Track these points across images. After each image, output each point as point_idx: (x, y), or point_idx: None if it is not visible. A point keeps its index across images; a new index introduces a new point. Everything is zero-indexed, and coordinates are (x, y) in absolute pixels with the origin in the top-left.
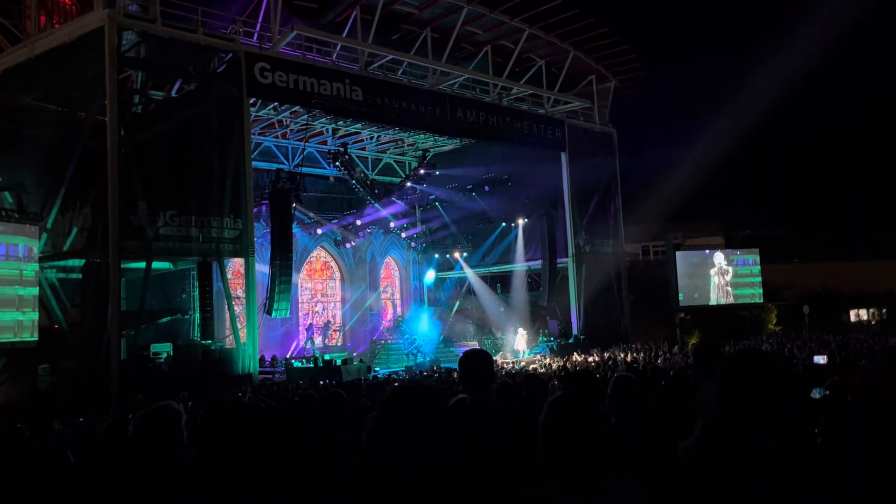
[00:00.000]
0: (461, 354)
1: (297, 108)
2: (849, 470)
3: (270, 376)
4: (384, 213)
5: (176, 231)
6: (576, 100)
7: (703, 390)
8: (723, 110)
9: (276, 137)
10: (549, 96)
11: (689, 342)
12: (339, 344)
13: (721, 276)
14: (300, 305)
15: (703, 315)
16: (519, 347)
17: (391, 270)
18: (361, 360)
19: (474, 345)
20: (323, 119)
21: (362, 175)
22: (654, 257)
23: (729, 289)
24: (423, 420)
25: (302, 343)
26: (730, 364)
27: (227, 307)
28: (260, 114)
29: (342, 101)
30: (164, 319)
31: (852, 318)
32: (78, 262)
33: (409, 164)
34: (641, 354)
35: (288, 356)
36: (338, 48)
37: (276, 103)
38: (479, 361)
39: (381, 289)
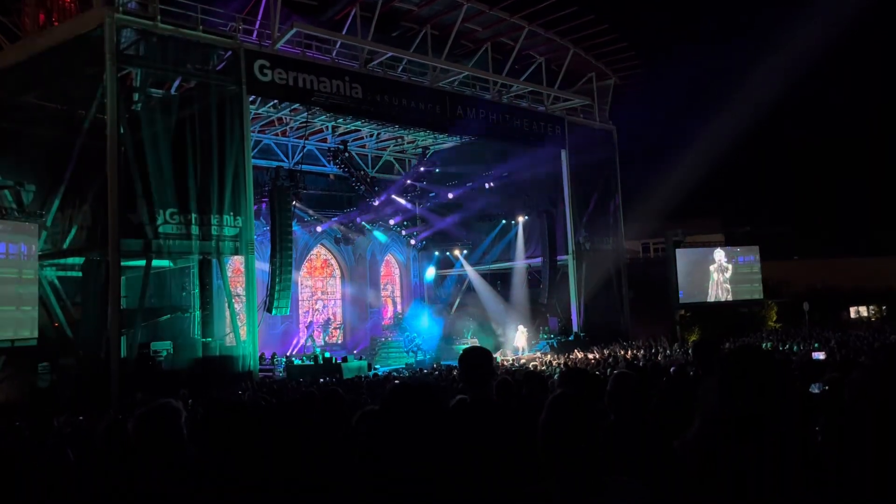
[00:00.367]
0: (461, 352)
1: (296, 105)
2: (848, 468)
3: (270, 374)
4: (384, 210)
5: (176, 229)
6: (575, 97)
7: (702, 387)
8: (722, 108)
9: (276, 135)
10: (549, 94)
11: (690, 339)
12: (339, 341)
13: (721, 274)
14: (300, 303)
15: (703, 312)
16: (519, 345)
17: (391, 268)
18: (362, 358)
19: (474, 342)
20: (322, 116)
21: (362, 172)
22: (654, 254)
23: (729, 286)
24: (423, 418)
25: (302, 341)
26: (728, 361)
27: (227, 305)
28: (259, 111)
29: (342, 99)
30: (164, 317)
31: (852, 315)
32: (77, 261)
33: (409, 161)
34: (642, 352)
35: (288, 354)
36: (337, 45)
37: (275, 101)
38: (478, 359)
39: (382, 286)
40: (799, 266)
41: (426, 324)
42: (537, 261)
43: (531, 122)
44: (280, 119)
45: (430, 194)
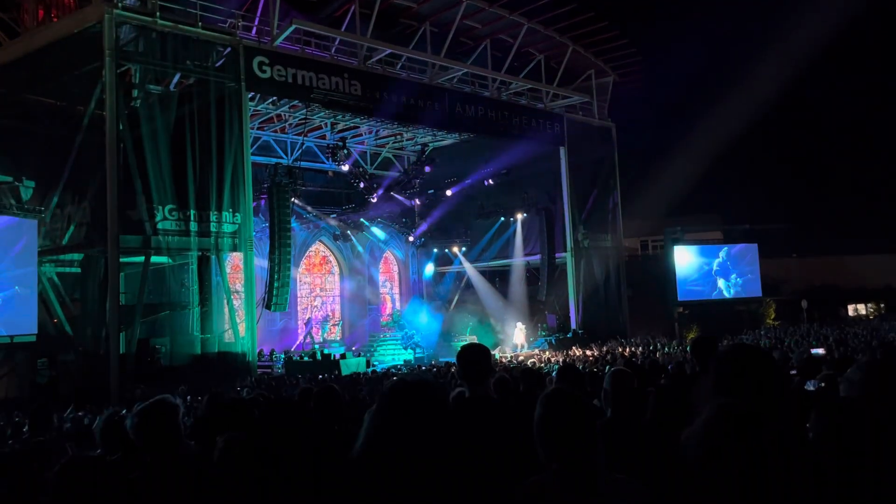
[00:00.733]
0: (459, 349)
1: (295, 102)
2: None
3: (269, 371)
4: (383, 207)
5: (175, 225)
6: (575, 94)
7: (700, 385)
8: (721, 105)
9: (275, 132)
10: (548, 91)
11: (688, 336)
12: (337, 338)
13: (719, 271)
14: (299, 300)
15: (701, 309)
16: (517, 342)
17: (390, 265)
18: (360, 355)
19: (473, 339)
20: (321, 113)
21: (361, 169)
22: (652, 252)
23: (727, 284)
24: (423, 414)
25: (301, 337)
26: (723, 359)
27: (225, 301)
28: (258, 108)
29: (341, 96)
30: (163, 314)
31: (850, 313)
32: (77, 257)
33: (408, 158)
34: (640, 349)
35: (287, 350)
36: (336, 42)
37: (274, 97)
38: (476, 355)
39: (380, 283)
40: (797, 264)
41: (424, 321)
42: (536, 258)
43: (530, 119)
44: (279, 116)
45: (429, 191)
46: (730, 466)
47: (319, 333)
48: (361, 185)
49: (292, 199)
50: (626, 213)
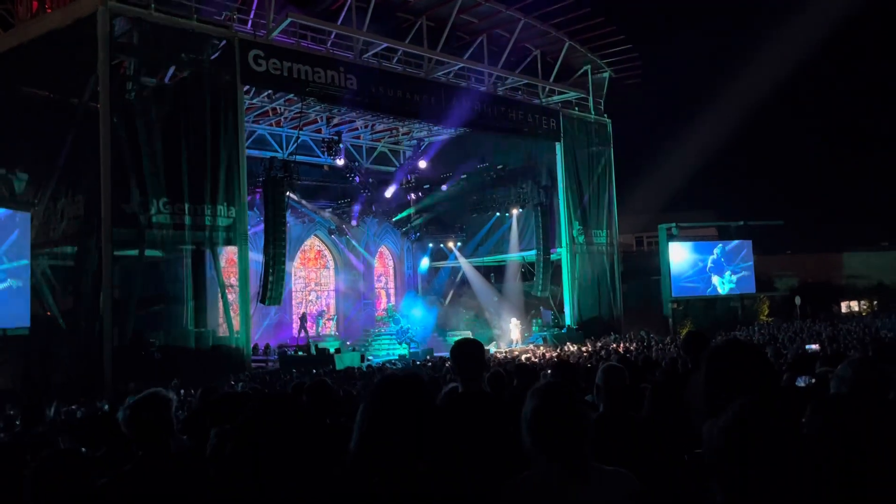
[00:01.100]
0: (453, 343)
1: (291, 95)
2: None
3: (264, 365)
4: (378, 201)
5: (169, 219)
6: (571, 90)
7: (692, 381)
8: (717, 102)
9: (270, 125)
10: (545, 86)
11: (682, 332)
12: (332, 332)
13: (713, 267)
14: (294, 294)
15: (695, 306)
16: (512, 337)
17: (385, 259)
18: (355, 349)
19: (467, 334)
20: (317, 107)
21: (356, 163)
22: (647, 248)
23: (721, 280)
24: (412, 409)
25: (295, 332)
26: (715, 355)
27: (220, 295)
28: (254, 101)
29: (337, 90)
30: (157, 307)
31: (843, 310)
32: (70, 249)
33: (404, 153)
34: (634, 345)
35: (281, 344)
36: (332, 36)
37: (270, 91)
38: (471, 350)
39: (375, 278)
40: (791, 260)
41: (419, 315)
42: (531, 253)
43: (526, 114)
44: (274, 109)
45: (425, 186)
46: (754, 462)
47: (314, 328)
48: (357, 179)
49: (287, 193)
50: (622, 209)
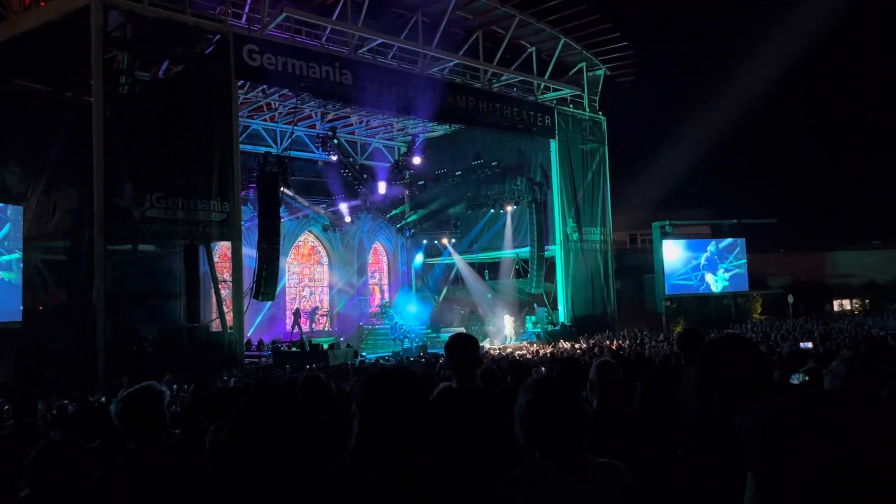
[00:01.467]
0: (447, 339)
1: (285, 91)
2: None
3: (257, 360)
4: (372, 197)
5: (162, 213)
6: (566, 87)
7: (685, 377)
8: (711, 99)
9: (265, 120)
10: (540, 83)
11: (675, 330)
12: (326, 329)
13: (707, 265)
14: (287, 290)
15: (688, 303)
16: (506, 334)
17: (379, 256)
18: (349, 345)
19: (461, 331)
20: (312, 102)
21: (351, 159)
22: (641, 245)
23: (714, 278)
24: (405, 403)
25: (289, 327)
26: (710, 350)
27: (213, 291)
28: (248, 96)
29: (331, 85)
30: (150, 302)
31: (835, 308)
32: (63, 244)
33: (399, 149)
34: (627, 342)
35: (275, 340)
36: (327, 31)
37: (264, 86)
38: (464, 345)
39: (369, 274)
40: (784, 259)
41: (413, 311)
42: (525, 250)
43: (521, 111)
44: (269, 104)
45: (419, 182)
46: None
47: (308, 324)
48: (351, 175)
49: (281, 188)
50: (616, 207)
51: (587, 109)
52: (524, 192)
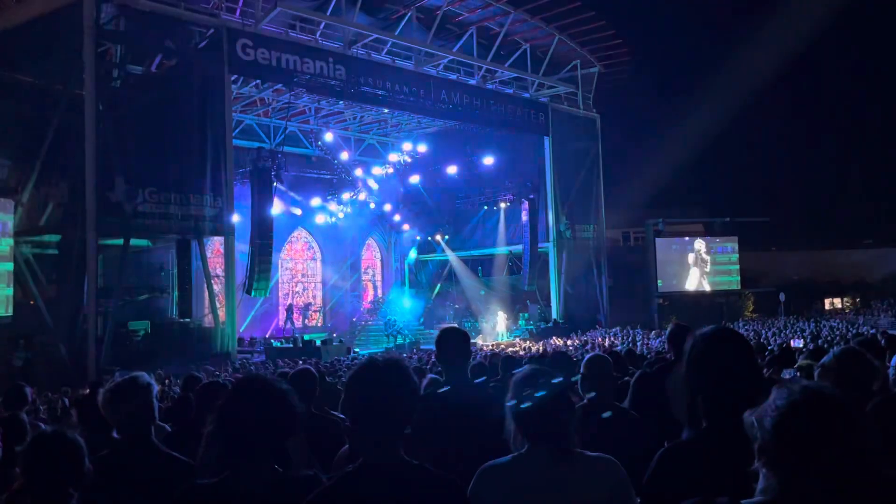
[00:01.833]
0: (438, 332)
1: (279, 86)
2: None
3: (249, 356)
4: (366, 193)
5: (155, 208)
6: (560, 84)
7: (675, 372)
8: (705, 97)
9: (258, 115)
10: (534, 80)
11: (667, 328)
12: (319, 324)
13: (699, 263)
14: (280, 285)
15: (680, 301)
16: (499, 330)
17: (372, 252)
18: (341, 341)
19: (454, 326)
20: (305, 98)
21: (344, 155)
22: (634, 243)
23: (706, 276)
24: (395, 392)
25: (281, 323)
26: (697, 343)
27: (205, 286)
28: (241, 91)
29: (325, 80)
30: (142, 297)
31: (827, 306)
32: (54, 238)
33: (392, 144)
34: (619, 339)
35: (267, 336)
36: (321, 26)
37: (257, 81)
38: (455, 339)
39: (362, 270)
40: (776, 257)
41: (407, 307)
42: (518, 247)
43: (515, 108)
44: (262, 99)
45: (413, 179)
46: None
47: (300, 319)
48: (344, 171)
49: (274, 183)
50: (609, 204)
51: (581, 107)
52: (518, 189)
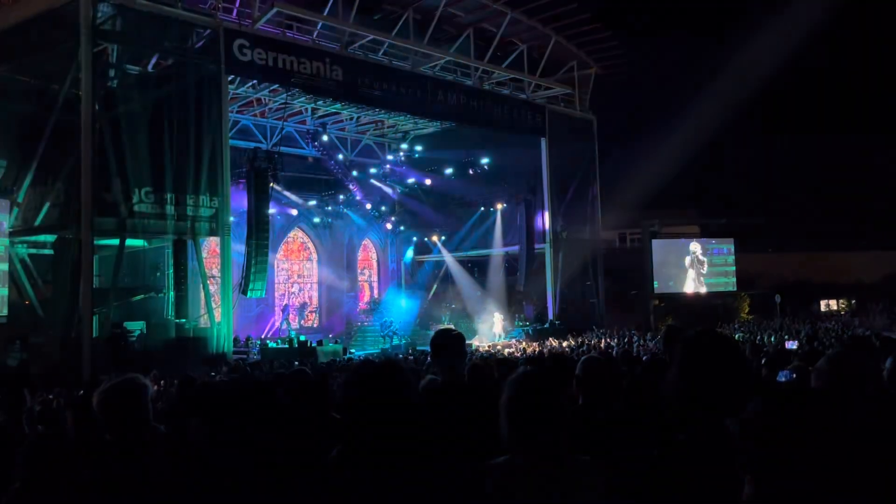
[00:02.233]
0: (434, 333)
1: (275, 86)
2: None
3: (245, 357)
4: (362, 194)
5: (151, 208)
6: (557, 85)
7: (667, 373)
8: (701, 100)
9: (255, 116)
10: (531, 81)
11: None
12: (315, 325)
13: (695, 265)
14: (276, 286)
15: (677, 303)
16: (495, 331)
17: (368, 252)
18: (337, 342)
19: (450, 328)
20: (302, 98)
21: (341, 156)
22: (630, 244)
23: (703, 277)
24: (391, 394)
25: (278, 324)
26: (689, 346)
27: (201, 286)
28: (238, 91)
29: (322, 81)
30: (138, 297)
31: (822, 308)
32: (49, 238)
33: (389, 146)
34: (615, 340)
35: (263, 336)
36: (318, 27)
37: (254, 81)
38: (451, 340)
39: (359, 271)
40: (772, 259)
41: (403, 308)
42: (515, 248)
43: (512, 109)
44: (259, 100)
45: (410, 179)
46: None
47: (296, 320)
48: (341, 171)
49: (271, 184)
50: (605, 206)
51: (578, 108)
52: (514, 190)
